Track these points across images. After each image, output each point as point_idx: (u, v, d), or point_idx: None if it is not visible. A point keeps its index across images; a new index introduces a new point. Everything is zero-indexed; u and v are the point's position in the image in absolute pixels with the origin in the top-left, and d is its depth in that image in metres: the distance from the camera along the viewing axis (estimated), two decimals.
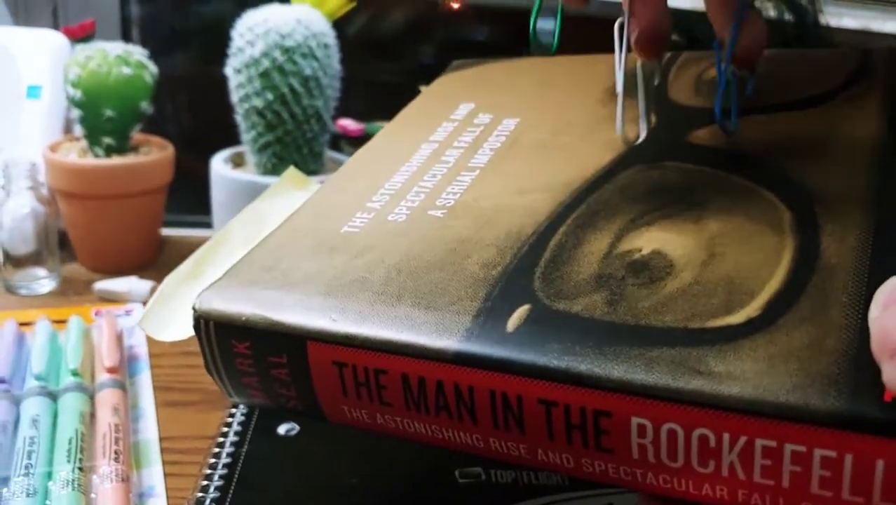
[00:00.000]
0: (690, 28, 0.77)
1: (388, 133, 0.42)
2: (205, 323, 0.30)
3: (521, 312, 0.27)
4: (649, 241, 0.29)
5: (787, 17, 0.81)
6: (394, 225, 0.33)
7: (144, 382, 0.50)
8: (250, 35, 0.58)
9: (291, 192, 0.44)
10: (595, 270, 0.28)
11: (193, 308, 0.31)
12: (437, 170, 0.37)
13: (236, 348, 0.30)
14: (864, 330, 0.22)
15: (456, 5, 0.95)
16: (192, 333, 0.32)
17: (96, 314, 0.57)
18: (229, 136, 0.68)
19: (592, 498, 0.37)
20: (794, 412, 0.21)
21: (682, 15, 0.86)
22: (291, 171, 0.45)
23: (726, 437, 0.23)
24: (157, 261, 0.69)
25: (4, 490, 0.38)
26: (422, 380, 0.27)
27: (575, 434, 0.25)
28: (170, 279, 0.39)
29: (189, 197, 0.77)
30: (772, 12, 0.81)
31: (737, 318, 0.24)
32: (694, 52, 0.42)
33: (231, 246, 0.40)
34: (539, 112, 0.39)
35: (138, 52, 0.64)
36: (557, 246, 0.30)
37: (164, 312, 0.38)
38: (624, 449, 0.24)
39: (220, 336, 0.30)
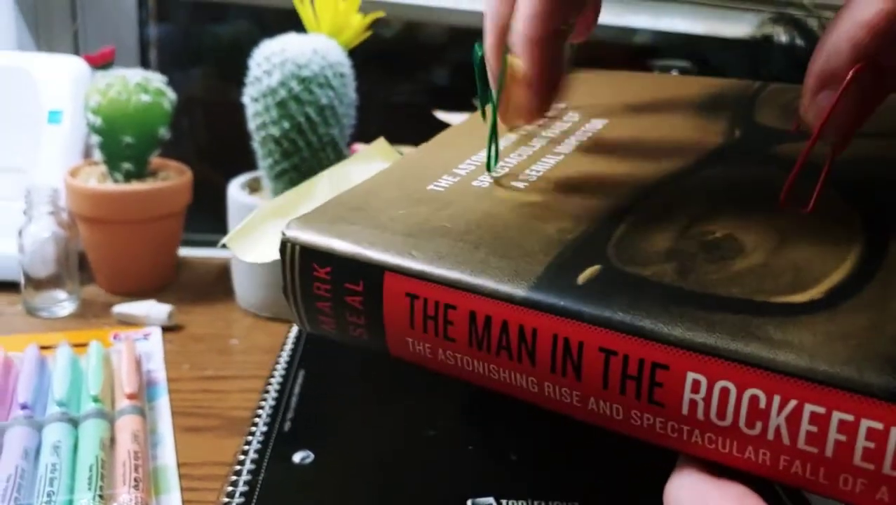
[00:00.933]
0: (701, 53, 0.78)
1: (475, 118, 0.43)
2: (291, 246, 0.33)
3: (592, 269, 0.28)
4: (723, 226, 0.30)
5: (799, 42, 0.82)
6: (477, 189, 0.35)
7: (163, 407, 0.51)
8: (267, 65, 0.59)
9: (378, 160, 0.47)
10: (668, 245, 0.29)
11: (282, 233, 0.33)
12: (523, 151, 0.39)
13: (317, 273, 0.32)
14: None
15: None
16: (275, 256, 0.34)
17: (115, 338, 0.59)
18: (247, 153, 0.69)
19: None
20: (847, 382, 0.22)
21: (692, 40, 0.87)
22: (381, 142, 0.48)
23: (777, 399, 0.23)
24: (175, 283, 0.71)
25: None
26: (488, 318, 0.28)
27: (629, 384, 0.26)
28: (259, 209, 0.43)
29: (208, 212, 0.77)
30: (783, 37, 0.82)
31: (800, 297, 0.26)
32: (780, 84, 0.43)
33: (318, 194, 0.43)
34: (625, 117, 0.42)
35: (157, 80, 0.65)
36: (633, 222, 0.31)
37: (251, 237, 0.42)
38: (675, 404, 0.25)
39: (304, 260, 0.33)
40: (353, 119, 0.63)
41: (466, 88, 0.77)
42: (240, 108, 0.63)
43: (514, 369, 0.29)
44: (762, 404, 0.24)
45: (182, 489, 0.43)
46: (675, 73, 0.70)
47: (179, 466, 0.45)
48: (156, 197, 0.65)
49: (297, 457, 0.43)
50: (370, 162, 0.46)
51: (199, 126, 1.01)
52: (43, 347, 0.55)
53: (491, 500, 0.39)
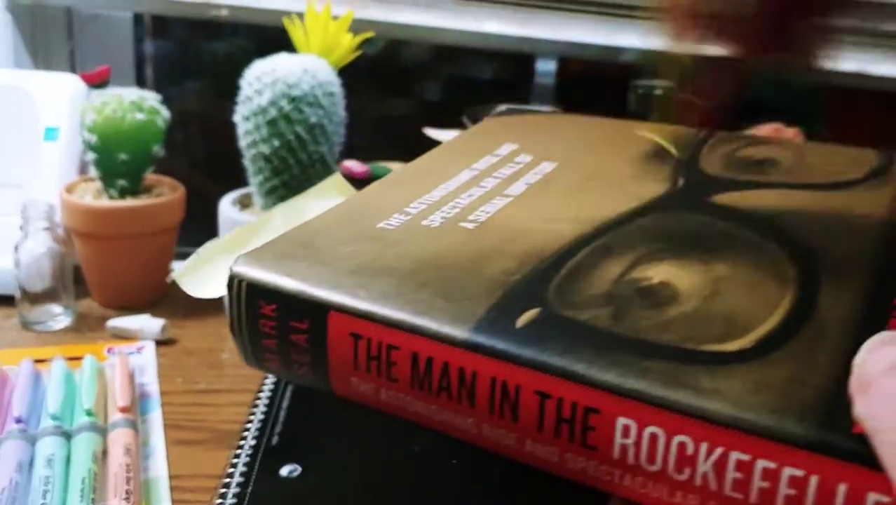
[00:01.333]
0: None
1: (431, 156, 0.45)
2: (238, 283, 0.33)
3: (531, 313, 0.29)
4: (659, 273, 0.31)
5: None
6: (427, 228, 0.36)
7: (155, 421, 0.52)
8: (258, 84, 0.61)
9: (334, 196, 0.48)
10: (606, 290, 0.30)
11: (230, 269, 0.33)
12: (474, 192, 0.40)
13: (262, 310, 0.33)
14: (844, 376, 0.24)
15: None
16: (222, 292, 0.35)
17: (109, 351, 0.60)
18: (239, 169, 0.71)
19: None
20: (770, 431, 0.23)
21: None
22: (338, 178, 0.50)
23: (704, 446, 0.24)
24: (168, 297, 0.72)
25: None
26: (430, 360, 0.29)
27: (563, 427, 0.27)
28: (209, 245, 0.44)
29: (201, 225, 0.79)
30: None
31: (730, 346, 0.27)
32: (727, 132, 0.45)
33: (270, 229, 0.44)
34: (576, 161, 0.43)
35: (151, 98, 0.66)
36: (574, 266, 0.32)
37: (200, 273, 0.43)
38: (606, 447, 0.26)
39: (250, 296, 0.33)
40: (342, 137, 0.65)
41: (454, 105, 0.79)
42: (233, 125, 0.64)
43: (455, 410, 0.29)
44: (690, 451, 0.25)
45: (173, 501, 0.44)
46: (658, 92, 0.72)
47: (171, 478, 0.46)
48: (150, 213, 0.67)
49: (284, 470, 0.44)
50: (326, 197, 0.48)
51: (193, 141, 1.02)
52: (37, 361, 0.56)
53: None
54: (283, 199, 0.64)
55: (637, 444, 0.25)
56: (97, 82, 0.67)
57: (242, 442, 0.47)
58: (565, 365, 0.26)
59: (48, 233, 0.63)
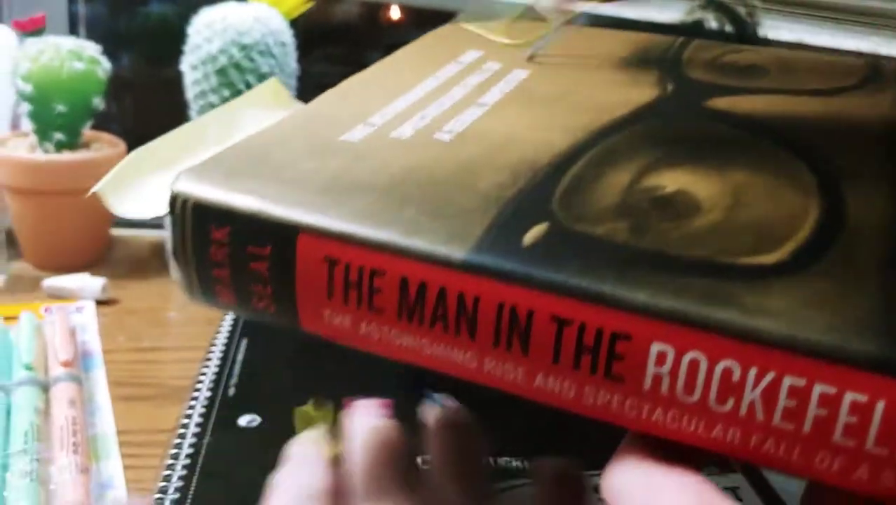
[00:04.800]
0: None
1: (382, 65, 0.39)
2: (182, 202, 0.28)
3: (538, 228, 0.25)
4: (673, 180, 0.28)
5: (728, 28, 0.83)
6: (397, 141, 0.31)
7: (99, 378, 0.49)
8: (208, 32, 0.58)
9: (270, 104, 0.42)
10: (617, 201, 0.27)
11: (172, 187, 0.28)
12: (443, 102, 0.35)
13: (214, 235, 0.28)
14: (892, 285, 0.22)
15: (396, 17, 0.96)
16: (152, 212, 0.30)
17: (46, 311, 0.57)
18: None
19: None
20: (830, 351, 0.20)
21: (622, 24, 0.88)
22: (273, 83, 0.44)
23: (752, 372, 0.21)
24: (106, 259, 0.69)
25: None
26: (423, 285, 0.25)
27: (584, 358, 0.23)
28: (133, 156, 0.37)
29: None
30: (713, 23, 0.84)
31: (766, 259, 0.24)
32: (703, 40, 0.42)
33: (205, 140, 0.38)
34: (549, 70, 0.38)
35: (91, 48, 0.63)
36: (575, 177, 0.28)
37: (126, 187, 0.37)
38: (636, 378, 0.23)
39: (198, 219, 0.28)
40: (294, 90, 0.63)
41: None
42: (170, 90, 0.62)
43: (450, 344, 0.26)
44: (736, 378, 0.21)
45: (122, 456, 0.42)
46: None
47: (118, 433, 0.44)
48: (88, 167, 0.63)
49: (242, 421, 0.42)
50: (261, 105, 0.42)
51: (126, 107, 0.98)
52: None
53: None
54: None
55: (673, 373, 0.22)
56: (31, 30, 0.63)
57: (197, 394, 0.45)
58: (588, 285, 0.23)
59: None
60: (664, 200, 0.27)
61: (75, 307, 0.58)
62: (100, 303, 0.60)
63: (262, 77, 0.59)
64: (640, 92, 0.35)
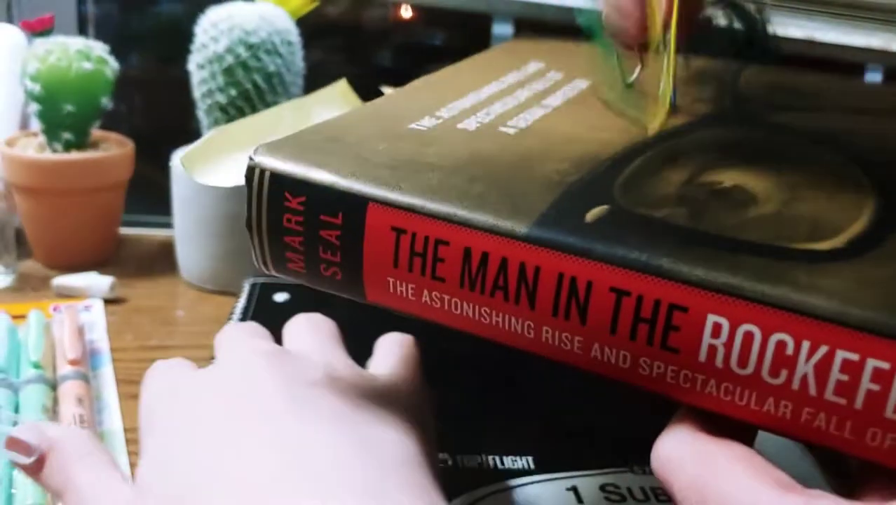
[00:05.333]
0: None
1: (450, 70, 0.41)
2: (259, 173, 0.29)
3: (600, 208, 0.26)
4: (730, 178, 0.29)
5: (737, 25, 0.83)
6: (463, 131, 0.33)
7: (107, 376, 0.50)
8: (214, 31, 0.58)
9: (340, 105, 0.45)
10: (676, 192, 0.28)
11: (250, 157, 0.30)
12: (508, 101, 0.36)
13: (288, 203, 0.29)
14: None
15: (407, 15, 0.96)
16: (237, 181, 0.32)
17: (55, 310, 0.57)
18: (183, 137, 0.68)
19: (556, 481, 0.38)
20: (884, 328, 0.21)
21: None
22: (343, 85, 0.47)
23: (806, 345, 0.22)
24: (115, 258, 0.69)
25: None
26: (485, 255, 0.26)
27: (641, 328, 0.24)
28: (215, 133, 0.41)
29: (143, 200, 0.76)
30: (722, 21, 0.83)
31: (822, 245, 0.24)
32: (757, 66, 0.44)
33: (280, 126, 0.40)
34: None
35: (99, 48, 0.63)
36: (637, 168, 0.29)
37: (206, 160, 0.40)
38: (692, 349, 0.23)
39: (274, 188, 0.29)
40: (300, 88, 0.63)
41: (411, 67, 0.77)
42: (177, 90, 0.62)
43: (510, 312, 0.26)
44: (789, 350, 0.22)
45: (129, 453, 0.42)
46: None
47: (125, 431, 0.44)
48: (97, 167, 0.64)
49: None
50: (330, 104, 0.45)
51: (134, 108, 0.99)
52: None
53: (446, 455, 0.39)
54: None
55: (728, 344, 0.23)
56: (39, 30, 0.64)
57: None
58: (647, 259, 0.24)
59: None
60: (722, 193, 0.28)
61: (83, 306, 0.58)
62: (108, 301, 0.60)
63: (268, 76, 0.59)
64: (698, 105, 0.36)
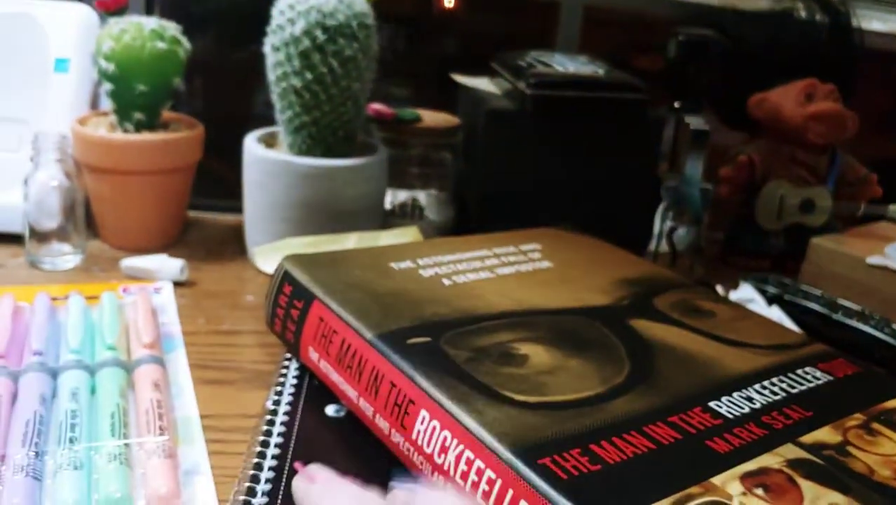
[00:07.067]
0: (720, 25, 0.76)
1: (470, 238, 0.55)
2: (280, 268, 0.47)
3: (423, 339, 0.39)
4: (528, 349, 0.39)
5: (820, 18, 0.80)
6: (419, 276, 0.47)
7: (180, 360, 0.49)
8: (291, 13, 0.57)
9: (408, 240, 0.61)
10: (483, 346, 0.39)
11: (282, 258, 0.48)
12: (472, 264, 0.50)
13: (285, 288, 0.46)
14: None
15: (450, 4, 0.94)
16: (270, 270, 0.49)
17: (125, 291, 0.56)
18: (252, 121, 0.68)
19: None
20: (499, 452, 0.32)
21: (711, 11, 0.85)
22: (413, 230, 0.63)
23: (454, 442, 0.34)
24: (183, 241, 0.68)
25: (50, 462, 0.37)
26: (349, 346, 0.40)
27: (395, 410, 0.37)
28: (288, 241, 0.60)
29: (211, 186, 0.76)
30: (803, 13, 0.81)
31: (518, 397, 0.35)
32: (690, 291, 0.51)
33: (339, 246, 0.59)
34: (567, 267, 0.52)
35: (173, 28, 0.63)
36: (481, 327, 0.41)
37: (273, 256, 0.57)
38: (411, 427, 0.36)
39: (282, 279, 0.47)
40: (374, 74, 0.61)
41: (481, 54, 0.76)
42: (246, 74, 0.61)
43: (351, 383, 0.40)
44: (448, 443, 0.34)
45: (207, 441, 0.41)
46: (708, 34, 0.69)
47: (202, 417, 0.43)
48: (167, 148, 0.63)
49: (330, 410, 0.42)
50: (401, 239, 0.61)
51: (200, 91, 0.98)
52: (52, 298, 0.53)
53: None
54: (311, 137, 0.60)
55: (428, 431, 0.35)
56: (114, 9, 0.63)
57: (282, 379, 0.44)
58: (412, 373, 0.37)
59: (60, 165, 0.60)
60: (508, 353, 0.39)
61: (154, 288, 0.58)
62: (177, 284, 0.59)
63: (344, 61, 0.58)
64: (595, 297, 0.47)
